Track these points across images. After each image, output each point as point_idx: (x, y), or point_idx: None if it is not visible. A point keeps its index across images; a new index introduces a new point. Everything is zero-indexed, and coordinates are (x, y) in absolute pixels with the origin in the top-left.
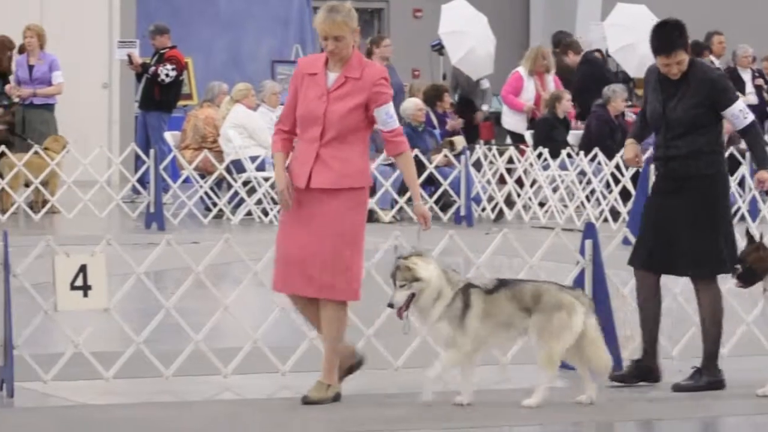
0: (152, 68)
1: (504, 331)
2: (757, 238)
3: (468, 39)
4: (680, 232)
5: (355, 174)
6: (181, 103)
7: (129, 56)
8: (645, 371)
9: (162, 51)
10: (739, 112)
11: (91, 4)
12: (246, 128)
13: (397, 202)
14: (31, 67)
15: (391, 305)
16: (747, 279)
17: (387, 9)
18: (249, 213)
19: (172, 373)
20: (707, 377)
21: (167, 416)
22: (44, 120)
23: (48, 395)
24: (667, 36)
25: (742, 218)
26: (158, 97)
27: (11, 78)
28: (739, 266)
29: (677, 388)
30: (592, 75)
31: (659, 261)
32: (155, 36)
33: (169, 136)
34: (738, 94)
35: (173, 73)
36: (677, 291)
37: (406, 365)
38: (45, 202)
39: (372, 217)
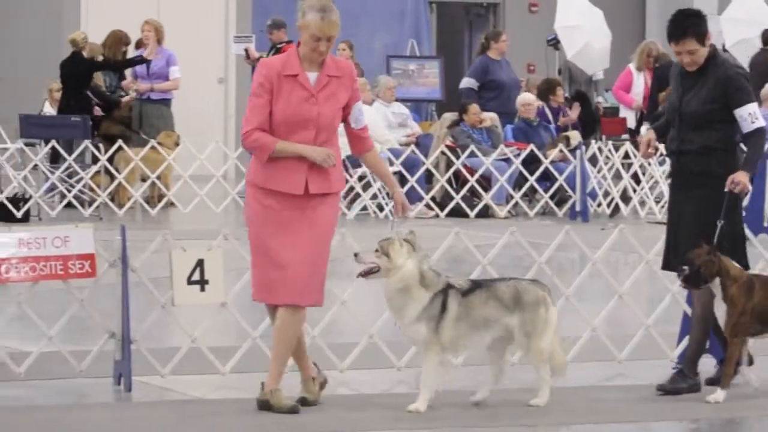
0: None
1: (477, 332)
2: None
3: (584, 33)
4: (684, 230)
5: (341, 176)
6: None
7: (246, 50)
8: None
9: (279, 45)
10: (748, 115)
11: (207, 1)
12: None
13: (512, 197)
14: (148, 62)
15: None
16: (693, 281)
17: (503, 3)
18: (364, 208)
19: (288, 368)
20: (688, 380)
21: (349, 407)
22: (161, 115)
23: (165, 389)
24: (680, 23)
25: None
26: None
27: (128, 73)
28: (686, 267)
29: (660, 389)
30: None
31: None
32: (272, 30)
33: None
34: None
35: None
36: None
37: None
38: (161, 196)
39: (487, 212)
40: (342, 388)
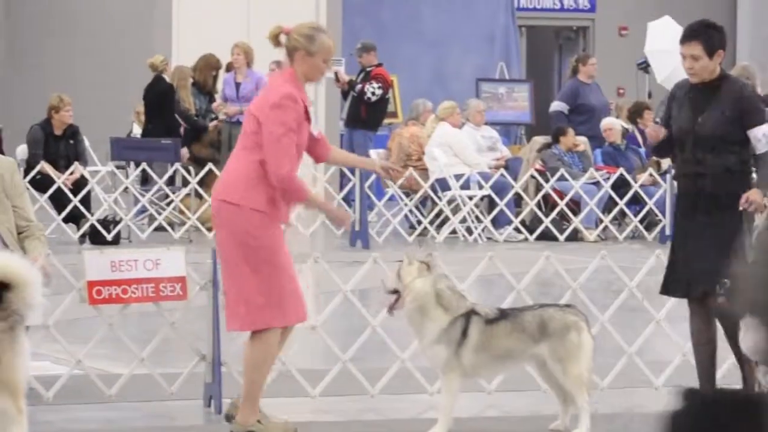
0: (359, 86)
1: (498, 363)
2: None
3: (674, 57)
4: (702, 253)
5: None
6: (386, 121)
7: (336, 74)
8: None
9: (368, 69)
10: (762, 136)
11: (297, 21)
12: (451, 146)
13: (601, 221)
14: (238, 85)
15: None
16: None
17: (592, 27)
18: (453, 231)
19: (378, 390)
20: None
21: None
22: None
23: None
24: (695, 27)
25: None
26: (364, 115)
27: (217, 96)
28: (727, 281)
29: None
30: None
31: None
32: (362, 54)
33: (374, 154)
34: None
35: (379, 92)
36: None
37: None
38: None
39: (576, 236)
40: (431, 411)
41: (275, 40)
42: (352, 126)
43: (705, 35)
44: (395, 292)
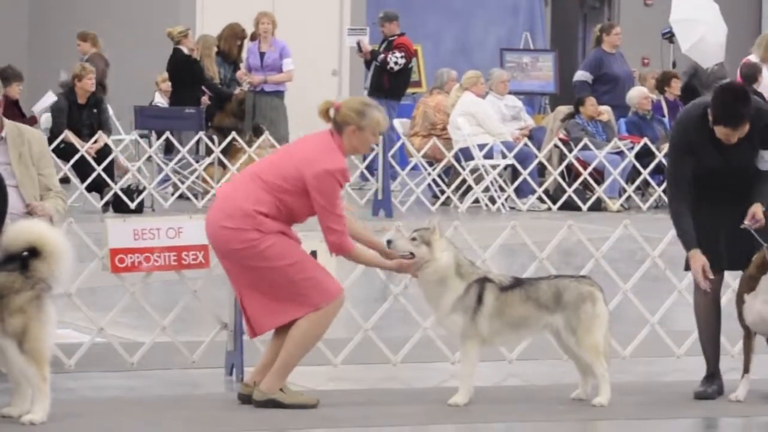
0: (381, 56)
1: (513, 331)
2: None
3: (699, 27)
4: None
5: None
6: (410, 90)
7: (358, 44)
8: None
9: (391, 38)
10: None
11: None
12: (475, 116)
13: (625, 191)
14: (262, 54)
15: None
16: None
17: None
18: (476, 200)
19: (400, 359)
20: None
21: (395, 402)
22: (274, 107)
23: None
24: (734, 107)
25: None
26: (387, 85)
27: (242, 65)
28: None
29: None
30: None
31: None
32: (384, 23)
33: (398, 124)
34: None
35: (402, 61)
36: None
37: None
38: None
39: (600, 205)
40: (453, 380)
41: (325, 114)
42: (376, 96)
43: (747, 109)
44: (412, 255)
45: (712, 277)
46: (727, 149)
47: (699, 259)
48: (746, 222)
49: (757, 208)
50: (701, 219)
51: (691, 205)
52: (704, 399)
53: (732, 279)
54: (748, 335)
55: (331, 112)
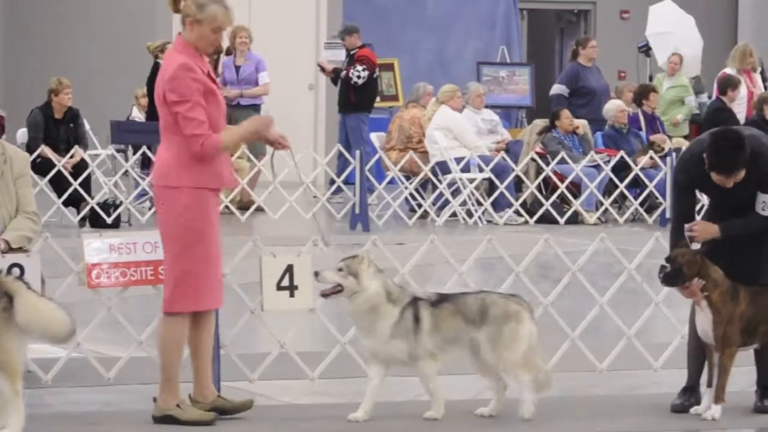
0: (344, 72)
1: (449, 345)
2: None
3: (675, 40)
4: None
5: None
6: (386, 104)
7: (319, 64)
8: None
9: (352, 52)
10: (765, 204)
11: (298, 6)
12: (452, 130)
13: (602, 204)
14: (237, 68)
15: (316, 273)
16: (673, 279)
17: (594, 10)
18: (454, 214)
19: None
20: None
21: (375, 415)
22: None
23: (254, 394)
24: (728, 155)
25: None
26: (354, 100)
27: (218, 79)
28: (667, 264)
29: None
30: None
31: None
32: (345, 36)
33: (375, 138)
34: None
35: (365, 74)
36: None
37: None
38: (250, 203)
39: (577, 218)
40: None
41: (175, 4)
42: (344, 111)
43: (742, 156)
44: (338, 287)
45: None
46: (728, 189)
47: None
48: (686, 226)
49: (708, 227)
50: (702, 247)
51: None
52: (681, 412)
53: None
54: (702, 346)
55: (182, 4)
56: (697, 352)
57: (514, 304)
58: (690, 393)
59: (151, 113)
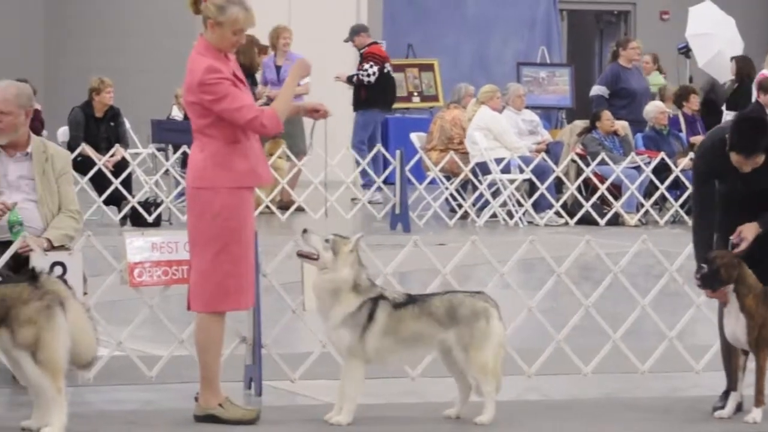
0: (354, 76)
1: (407, 348)
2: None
3: (715, 42)
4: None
5: None
6: (426, 104)
7: (337, 78)
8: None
9: (361, 50)
10: None
11: (339, 6)
12: (491, 130)
13: (642, 206)
14: (278, 68)
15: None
16: (710, 281)
17: (634, 11)
18: (494, 215)
19: (419, 373)
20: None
21: (413, 417)
22: (291, 120)
23: (295, 394)
24: (749, 136)
25: None
26: (364, 97)
27: (259, 79)
28: (705, 266)
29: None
30: None
31: None
32: (354, 37)
33: (415, 138)
34: None
35: (373, 70)
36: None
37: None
38: (290, 202)
39: (617, 220)
40: (411, 396)
41: (195, 6)
42: (359, 109)
43: (764, 140)
44: (315, 254)
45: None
46: (748, 174)
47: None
48: (733, 239)
49: (748, 227)
50: (722, 236)
51: (713, 226)
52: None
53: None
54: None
55: (202, 6)
56: (730, 356)
57: (482, 302)
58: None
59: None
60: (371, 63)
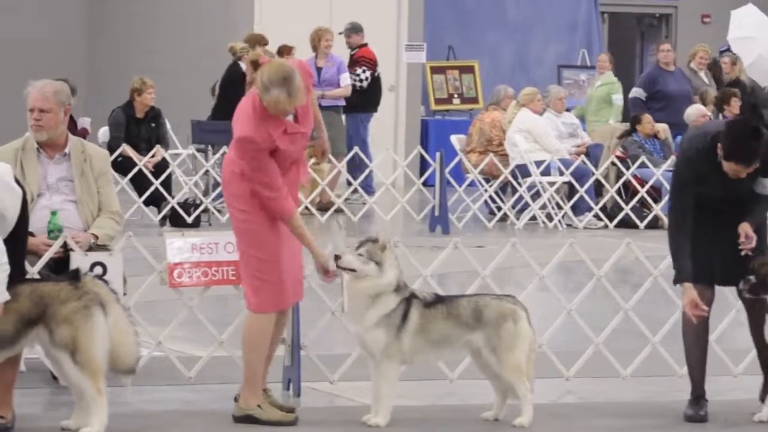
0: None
1: (434, 349)
2: None
3: (757, 45)
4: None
5: None
6: (466, 106)
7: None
8: None
9: (352, 51)
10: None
11: (380, 7)
12: (532, 133)
13: None
14: (319, 69)
15: (337, 257)
16: (758, 290)
17: (675, 14)
18: (533, 217)
19: (457, 375)
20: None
21: (451, 419)
22: (332, 122)
23: (334, 395)
24: (747, 144)
25: None
26: (357, 101)
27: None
28: (752, 276)
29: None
30: None
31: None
32: (351, 34)
33: (455, 140)
34: None
35: (365, 75)
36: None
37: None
38: (329, 204)
39: (657, 223)
40: (450, 398)
41: (254, 66)
42: (350, 112)
43: (760, 147)
44: (352, 271)
45: (705, 308)
46: (733, 180)
47: (690, 294)
48: (742, 242)
49: (746, 227)
50: (699, 235)
51: (691, 232)
52: (696, 422)
53: (735, 299)
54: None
55: (258, 72)
56: (701, 361)
57: (509, 304)
58: (701, 402)
59: (216, 113)
60: (364, 68)
